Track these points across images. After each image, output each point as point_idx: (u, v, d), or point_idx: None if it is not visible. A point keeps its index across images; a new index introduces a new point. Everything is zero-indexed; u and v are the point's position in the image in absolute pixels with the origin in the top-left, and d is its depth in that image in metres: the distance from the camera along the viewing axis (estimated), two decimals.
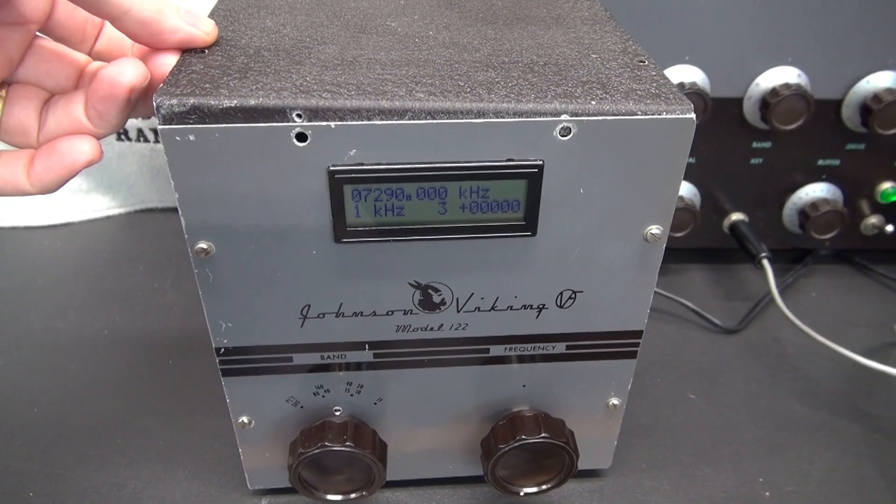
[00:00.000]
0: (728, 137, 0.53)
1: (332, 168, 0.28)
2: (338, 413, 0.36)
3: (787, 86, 0.49)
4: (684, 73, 0.50)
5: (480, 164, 0.28)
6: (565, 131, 0.28)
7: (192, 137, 0.27)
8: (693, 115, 0.28)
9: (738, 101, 0.51)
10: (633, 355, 0.36)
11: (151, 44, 0.29)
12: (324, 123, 0.27)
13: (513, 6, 0.38)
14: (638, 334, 0.35)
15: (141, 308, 0.54)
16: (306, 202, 0.29)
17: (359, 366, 0.35)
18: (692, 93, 0.49)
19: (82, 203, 0.62)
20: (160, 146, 0.59)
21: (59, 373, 0.48)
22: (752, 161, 0.54)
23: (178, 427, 0.44)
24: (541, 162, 0.28)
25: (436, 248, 0.31)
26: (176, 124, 0.26)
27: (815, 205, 0.55)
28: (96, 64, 0.32)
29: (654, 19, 0.48)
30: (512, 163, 0.28)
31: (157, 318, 0.53)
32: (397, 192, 0.29)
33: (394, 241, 0.30)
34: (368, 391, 0.36)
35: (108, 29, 0.32)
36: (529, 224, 0.30)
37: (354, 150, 0.27)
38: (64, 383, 0.47)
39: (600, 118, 0.27)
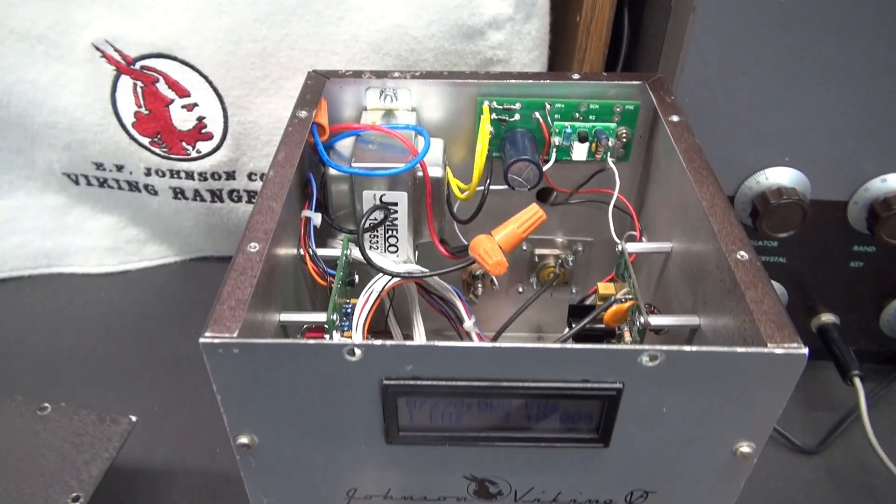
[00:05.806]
0: (827, 240, 0.48)
1: (385, 382, 0.25)
2: None
3: None
4: (783, 176, 0.44)
5: (550, 386, 0.25)
6: (652, 357, 0.24)
7: (236, 351, 0.24)
8: (806, 350, 0.24)
9: (843, 205, 0.46)
10: None
11: None
12: (378, 343, 0.24)
13: None
14: None
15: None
16: (357, 408, 0.26)
17: None
18: (790, 203, 0.43)
19: (139, 252, 0.61)
20: (217, 206, 0.57)
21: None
22: (852, 264, 0.49)
23: None
24: (620, 385, 0.25)
25: (496, 450, 0.28)
26: (218, 334, 0.24)
27: None
28: None
29: (752, 120, 0.43)
30: (587, 385, 0.25)
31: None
32: (456, 404, 0.26)
33: (450, 446, 0.27)
34: None
35: None
36: (602, 437, 0.27)
37: (411, 366, 0.25)
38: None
39: (693, 349, 0.24)
